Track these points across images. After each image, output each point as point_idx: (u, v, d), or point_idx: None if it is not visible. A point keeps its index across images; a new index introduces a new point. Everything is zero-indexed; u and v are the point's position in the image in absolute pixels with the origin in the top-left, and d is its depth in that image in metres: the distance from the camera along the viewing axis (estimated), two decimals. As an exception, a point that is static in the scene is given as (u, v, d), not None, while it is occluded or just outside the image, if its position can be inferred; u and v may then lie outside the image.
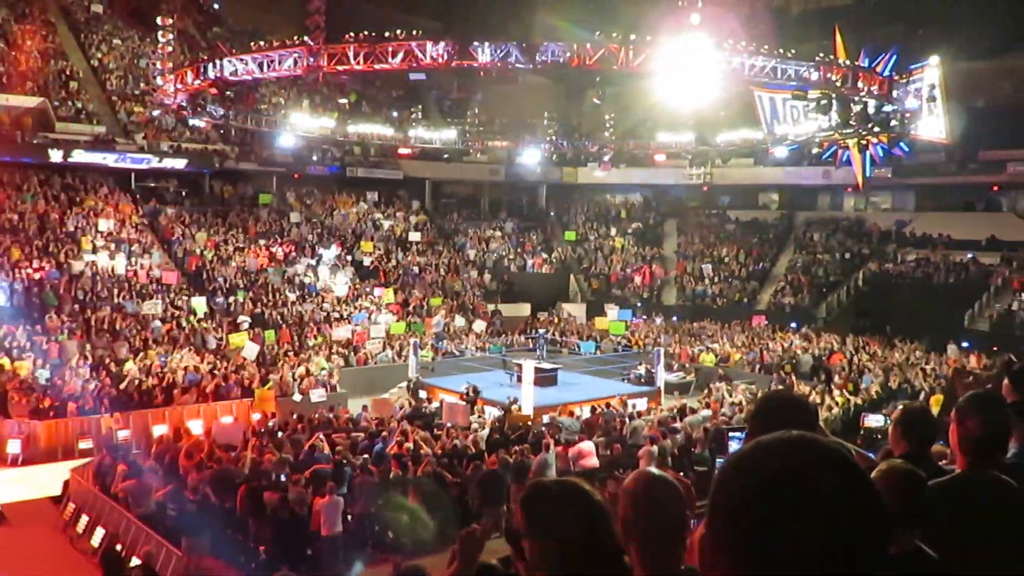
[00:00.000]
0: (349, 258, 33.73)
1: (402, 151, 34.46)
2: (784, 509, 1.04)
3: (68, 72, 33.64)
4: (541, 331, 29.40)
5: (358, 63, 20.20)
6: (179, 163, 32.30)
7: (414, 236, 36.87)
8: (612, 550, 1.96)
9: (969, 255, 32.72)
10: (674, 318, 34.18)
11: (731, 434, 3.22)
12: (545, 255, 39.46)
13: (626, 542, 2.22)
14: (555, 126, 36.10)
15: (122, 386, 20.31)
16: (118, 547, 11.40)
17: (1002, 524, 2.57)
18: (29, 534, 14.25)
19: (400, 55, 19.84)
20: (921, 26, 32.34)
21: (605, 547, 1.95)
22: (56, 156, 29.40)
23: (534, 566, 1.99)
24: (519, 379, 22.56)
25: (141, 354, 22.78)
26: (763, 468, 1.09)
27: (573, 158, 38.82)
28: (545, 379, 23.10)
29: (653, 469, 2.50)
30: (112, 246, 28.53)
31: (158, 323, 24.95)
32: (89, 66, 34.95)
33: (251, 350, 23.45)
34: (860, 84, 21.03)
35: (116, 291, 26.16)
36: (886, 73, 22.95)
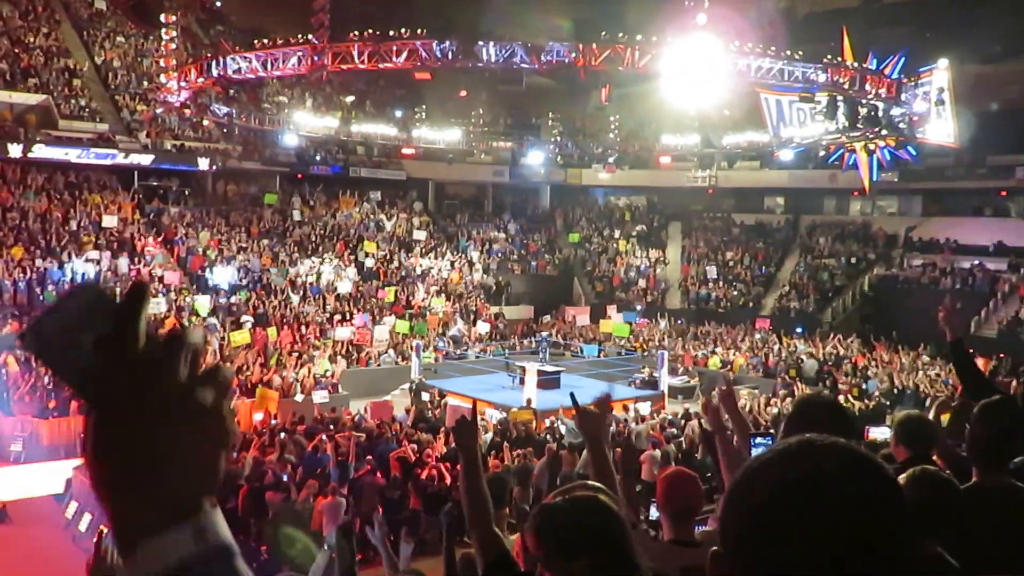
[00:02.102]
0: (352, 258, 33.66)
1: (405, 151, 34.42)
2: (809, 516, 1.00)
3: (71, 69, 33.56)
4: (544, 333, 29.23)
5: (362, 62, 20.13)
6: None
7: (417, 236, 36.77)
8: (635, 563, 1.83)
9: (976, 261, 32.50)
10: (678, 321, 34.02)
11: (755, 440, 3.08)
12: (548, 257, 39.33)
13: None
14: (559, 127, 36.02)
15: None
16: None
17: (1015, 532, 2.49)
18: (32, 532, 14.24)
19: (404, 54, 19.77)
20: (930, 28, 32.21)
21: (628, 561, 1.82)
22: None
23: None
24: (522, 381, 22.45)
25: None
26: (786, 473, 1.05)
27: (577, 160, 38.73)
28: (548, 382, 22.97)
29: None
30: (115, 245, 28.49)
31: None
32: (92, 63, 34.88)
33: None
34: (868, 87, 20.93)
35: (119, 290, 26.04)
36: (894, 76, 22.86)
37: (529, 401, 20.02)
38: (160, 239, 30.47)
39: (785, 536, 1.01)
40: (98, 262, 27.21)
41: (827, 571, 0.99)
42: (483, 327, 30.87)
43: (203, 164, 32.56)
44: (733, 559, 1.06)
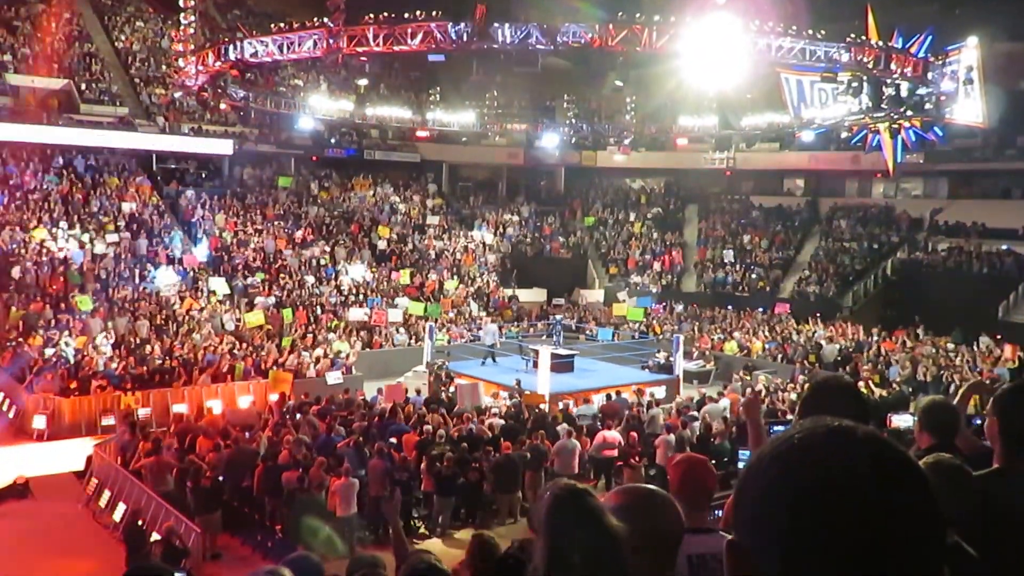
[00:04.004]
0: (366, 241, 33.71)
1: (420, 134, 34.31)
2: (834, 510, 0.94)
3: (92, 54, 33.75)
4: (558, 317, 29.09)
5: (377, 45, 19.99)
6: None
7: (431, 219, 36.69)
8: None
9: (1004, 245, 31.55)
10: (694, 306, 33.66)
11: (775, 427, 3.00)
12: (563, 240, 39.13)
13: None
14: (574, 109, 35.68)
15: (143, 365, 20.46)
16: (139, 522, 11.44)
17: None
18: (53, 507, 14.47)
19: (419, 36, 19.61)
20: (958, 5, 31.41)
21: None
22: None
23: None
24: (535, 364, 22.39)
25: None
26: (808, 464, 0.98)
27: (593, 142, 38.30)
28: (561, 365, 22.88)
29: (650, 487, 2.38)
30: (134, 227, 28.71)
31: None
32: (113, 48, 35.07)
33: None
34: (893, 66, 20.37)
35: (137, 271, 26.34)
36: (921, 54, 22.25)
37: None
38: (178, 221, 30.67)
39: (805, 531, 0.95)
40: (117, 244, 27.44)
41: (851, 567, 0.94)
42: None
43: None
44: (749, 549, 1.02)
